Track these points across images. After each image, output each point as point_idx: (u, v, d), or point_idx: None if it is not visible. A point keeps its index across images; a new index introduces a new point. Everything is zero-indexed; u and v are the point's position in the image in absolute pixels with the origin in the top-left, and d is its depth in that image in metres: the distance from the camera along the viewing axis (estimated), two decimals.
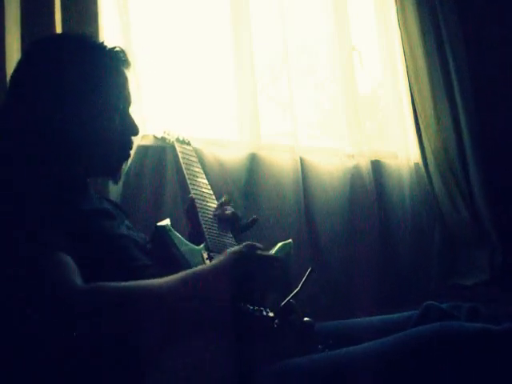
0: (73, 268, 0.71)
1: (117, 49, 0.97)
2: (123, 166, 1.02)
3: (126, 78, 0.98)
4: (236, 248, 0.86)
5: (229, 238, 1.08)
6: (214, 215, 1.13)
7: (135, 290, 0.71)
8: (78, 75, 0.90)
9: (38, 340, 0.64)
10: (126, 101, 0.98)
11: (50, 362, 0.66)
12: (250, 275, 0.82)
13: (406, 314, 1.00)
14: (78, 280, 0.69)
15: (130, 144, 1.00)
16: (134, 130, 0.99)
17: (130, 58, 1.00)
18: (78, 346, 0.65)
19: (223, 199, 1.19)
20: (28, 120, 0.87)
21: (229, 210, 1.14)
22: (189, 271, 0.79)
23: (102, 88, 0.92)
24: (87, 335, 0.65)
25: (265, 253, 0.87)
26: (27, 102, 0.88)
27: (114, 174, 1.00)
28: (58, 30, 1.27)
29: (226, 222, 1.12)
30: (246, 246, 0.85)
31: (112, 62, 0.95)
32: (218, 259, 0.83)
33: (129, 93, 0.99)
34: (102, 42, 0.98)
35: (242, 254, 0.83)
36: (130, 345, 0.68)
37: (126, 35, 1.47)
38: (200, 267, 0.82)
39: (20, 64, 0.94)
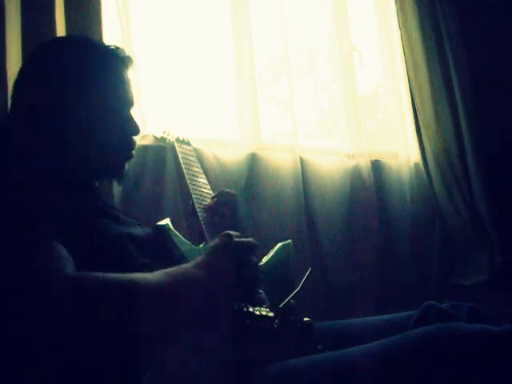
0: (65, 257, 0.70)
1: (112, 47, 0.97)
2: (126, 166, 1.01)
3: (124, 78, 0.97)
4: (214, 241, 0.85)
5: None
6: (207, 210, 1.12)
7: (123, 280, 0.69)
8: (74, 76, 0.90)
9: (25, 328, 0.63)
10: (126, 100, 0.98)
11: (38, 351, 0.65)
12: (232, 264, 0.81)
13: (405, 314, 1.00)
14: (70, 269, 0.69)
15: (131, 144, 1.00)
16: (135, 130, 0.99)
17: (130, 55, 0.99)
18: (65, 334, 0.64)
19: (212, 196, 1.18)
20: (29, 122, 0.88)
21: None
22: (174, 268, 0.77)
23: (97, 88, 0.92)
24: (73, 323, 0.64)
25: (241, 239, 0.86)
26: (27, 105, 0.89)
27: (117, 174, 1.00)
28: (59, 30, 1.27)
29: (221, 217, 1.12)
30: (221, 236, 0.85)
31: (109, 62, 0.95)
32: (199, 256, 0.82)
33: (129, 92, 0.99)
34: (101, 42, 0.98)
35: (221, 244, 0.83)
36: (120, 335, 0.68)
37: (126, 35, 1.47)
38: (184, 265, 0.80)
39: (21, 69, 0.95)
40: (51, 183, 0.82)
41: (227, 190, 1.19)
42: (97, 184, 1.02)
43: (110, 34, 1.43)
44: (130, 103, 1.00)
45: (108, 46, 0.97)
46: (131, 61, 0.99)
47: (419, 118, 2.20)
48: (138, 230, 0.96)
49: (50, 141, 0.88)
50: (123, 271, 0.80)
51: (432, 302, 0.95)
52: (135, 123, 0.99)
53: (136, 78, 1.46)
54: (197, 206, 1.12)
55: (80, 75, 0.91)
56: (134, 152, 1.01)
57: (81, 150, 0.91)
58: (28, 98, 0.90)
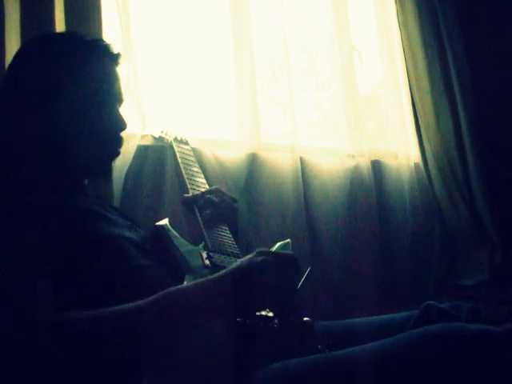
0: (45, 297, 0.69)
1: (101, 42, 0.96)
2: (113, 164, 0.99)
3: (110, 73, 0.96)
4: (243, 259, 0.78)
5: (226, 236, 1.07)
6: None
7: (97, 319, 0.68)
8: (57, 71, 0.90)
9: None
10: (112, 96, 0.96)
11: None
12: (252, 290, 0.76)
13: (405, 313, 1.00)
14: (48, 309, 0.67)
15: (118, 140, 0.98)
16: (121, 126, 0.97)
17: (125, 52, 0.98)
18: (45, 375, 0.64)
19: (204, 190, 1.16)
20: (13, 119, 0.88)
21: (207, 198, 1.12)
22: (169, 291, 0.74)
23: (81, 83, 0.91)
24: (51, 365, 0.64)
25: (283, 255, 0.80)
26: (11, 101, 0.89)
27: (103, 172, 0.98)
28: (59, 29, 1.27)
29: (216, 214, 1.11)
30: (256, 253, 0.78)
31: (95, 57, 0.94)
32: (212, 277, 0.76)
33: (116, 88, 0.97)
34: (90, 37, 0.97)
35: (248, 265, 0.76)
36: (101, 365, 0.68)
37: (126, 34, 1.47)
38: (185, 285, 0.77)
39: (9, 65, 0.95)
40: (40, 188, 0.81)
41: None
42: (86, 182, 1.00)
43: (110, 34, 1.43)
44: (117, 99, 0.98)
45: (96, 41, 0.96)
46: (119, 57, 0.98)
47: (419, 118, 2.20)
48: (132, 233, 0.94)
49: (34, 139, 0.88)
50: (122, 273, 0.80)
51: (432, 302, 0.95)
52: (122, 119, 0.97)
53: (135, 77, 1.46)
54: (195, 205, 1.12)
55: (64, 70, 0.90)
56: (120, 150, 0.99)
57: (66, 147, 0.90)
58: (12, 95, 0.90)
